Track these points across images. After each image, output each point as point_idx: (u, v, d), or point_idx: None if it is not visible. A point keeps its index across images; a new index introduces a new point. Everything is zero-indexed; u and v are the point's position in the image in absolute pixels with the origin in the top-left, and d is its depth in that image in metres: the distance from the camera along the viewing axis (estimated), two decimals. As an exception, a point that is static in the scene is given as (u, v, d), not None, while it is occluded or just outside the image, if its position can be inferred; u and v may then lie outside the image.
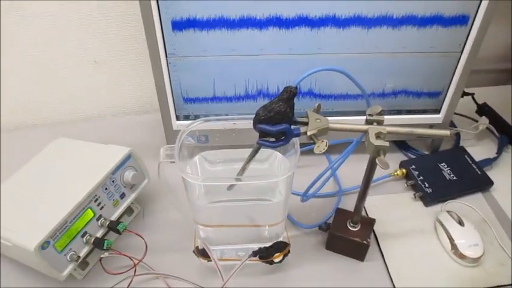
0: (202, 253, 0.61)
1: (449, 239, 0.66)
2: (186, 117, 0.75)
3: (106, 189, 0.63)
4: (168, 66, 0.67)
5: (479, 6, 0.62)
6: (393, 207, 0.74)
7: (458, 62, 0.69)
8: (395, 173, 0.77)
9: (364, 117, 0.53)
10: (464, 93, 0.80)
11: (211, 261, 0.60)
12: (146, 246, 0.62)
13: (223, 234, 0.63)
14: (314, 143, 0.51)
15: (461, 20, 0.64)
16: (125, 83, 0.93)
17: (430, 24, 0.64)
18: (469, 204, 0.73)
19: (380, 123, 0.53)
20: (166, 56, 0.66)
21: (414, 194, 0.74)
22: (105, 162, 0.64)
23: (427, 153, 0.84)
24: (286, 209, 0.60)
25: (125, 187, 0.67)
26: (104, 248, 0.60)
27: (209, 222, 0.60)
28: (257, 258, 0.61)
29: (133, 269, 0.58)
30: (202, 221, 0.60)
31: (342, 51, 0.67)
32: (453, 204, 0.73)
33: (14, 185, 0.66)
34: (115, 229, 0.62)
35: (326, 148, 0.50)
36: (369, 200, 0.74)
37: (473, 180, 0.76)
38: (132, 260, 0.59)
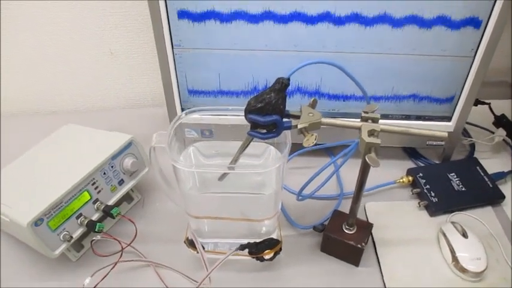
0: (192, 244, 0.61)
1: (451, 251, 0.63)
2: (192, 111, 0.75)
3: (104, 173, 0.65)
4: (174, 58, 0.68)
5: (493, 8, 0.60)
6: (395, 215, 0.71)
7: (470, 67, 0.66)
8: (401, 180, 0.75)
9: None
10: (479, 102, 0.77)
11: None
12: (136, 232, 0.62)
13: (214, 227, 0.63)
14: (304, 136, 0.50)
15: (473, 23, 0.62)
16: (139, 76, 0.95)
17: (439, 24, 0.62)
18: (477, 217, 0.69)
19: (375, 120, 0.51)
20: (172, 47, 0.67)
21: (419, 203, 0.71)
22: (106, 147, 0.66)
23: (437, 162, 0.81)
24: (277, 203, 0.59)
25: (124, 174, 0.68)
26: (96, 230, 0.60)
27: (199, 214, 0.60)
28: (247, 253, 0.61)
29: (121, 253, 0.58)
30: (193, 212, 0.60)
31: (347, 50, 0.66)
32: (459, 216, 0.70)
33: (19, 165, 0.68)
34: (109, 213, 0.62)
35: (315, 142, 0.49)
36: (371, 205, 0.73)
37: (484, 192, 0.72)
38: (120, 243, 0.60)
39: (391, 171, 0.77)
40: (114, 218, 0.63)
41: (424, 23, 0.62)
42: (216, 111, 0.59)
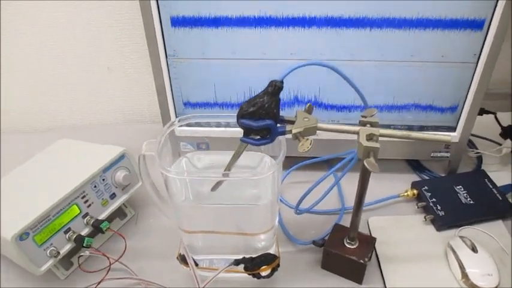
0: (185, 260, 0.58)
1: (461, 267, 0.59)
2: (188, 124, 0.73)
3: (95, 187, 0.62)
4: (168, 68, 0.67)
5: (494, 10, 0.58)
6: (400, 229, 0.68)
7: (473, 73, 0.64)
8: (406, 194, 0.72)
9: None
10: (484, 111, 0.74)
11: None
12: (125, 247, 0.59)
13: (208, 242, 0.60)
14: (299, 141, 0.48)
15: (475, 25, 0.60)
16: (136, 91, 0.94)
17: (441, 27, 0.60)
18: (487, 232, 0.66)
19: (374, 125, 0.49)
20: (166, 57, 0.66)
21: (425, 217, 0.68)
22: (97, 160, 0.64)
23: (443, 175, 0.77)
24: (274, 215, 0.56)
25: (116, 187, 0.65)
26: (84, 245, 0.58)
27: (192, 228, 0.57)
28: (242, 270, 0.57)
29: (108, 269, 0.55)
30: (185, 226, 0.57)
31: (346, 57, 0.64)
32: (468, 231, 0.66)
33: (9, 179, 0.66)
34: (98, 227, 0.60)
35: (310, 147, 0.47)
36: (375, 220, 0.69)
37: (493, 206, 0.69)
38: (108, 259, 0.57)
39: (394, 185, 0.74)
40: (103, 232, 0.60)
41: (427, 25, 0.61)
42: (211, 118, 0.57)
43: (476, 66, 0.63)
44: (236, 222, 0.57)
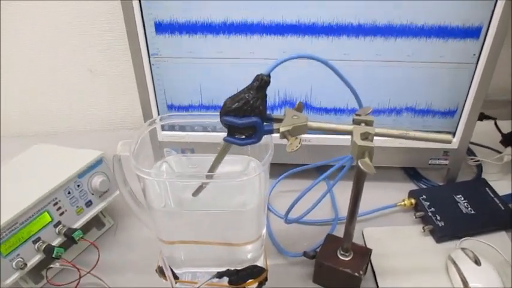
0: (164, 273, 0.53)
1: (463, 280, 0.55)
2: (172, 128, 0.69)
3: (69, 193, 0.58)
4: (150, 68, 0.63)
5: (493, 11, 0.55)
6: (397, 241, 0.63)
7: (473, 75, 0.61)
8: (403, 203, 0.68)
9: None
10: (484, 116, 0.71)
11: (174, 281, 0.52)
12: (98, 259, 0.55)
13: (191, 254, 0.55)
14: (287, 140, 0.44)
15: (474, 30, 0.57)
16: (120, 96, 0.90)
17: (436, 34, 0.58)
18: (490, 243, 0.61)
19: (369, 123, 0.45)
20: (148, 56, 0.62)
21: (423, 227, 0.64)
22: (73, 164, 0.59)
23: (441, 184, 0.73)
24: (261, 223, 0.52)
25: (92, 194, 0.61)
26: (53, 255, 0.53)
27: (172, 238, 0.53)
28: (226, 284, 0.53)
29: (78, 281, 0.51)
30: (165, 236, 0.52)
31: (337, 57, 0.61)
32: (470, 242, 0.62)
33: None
34: (70, 237, 0.55)
35: (299, 146, 0.43)
36: (370, 231, 0.65)
37: (496, 216, 0.65)
38: (78, 271, 0.52)
39: (391, 194, 0.70)
40: (76, 242, 0.55)
41: (423, 32, 0.58)
42: (194, 117, 0.53)
43: (476, 66, 0.60)
44: (220, 231, 0.52)
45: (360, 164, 0.41)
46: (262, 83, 0.43)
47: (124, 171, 0.52)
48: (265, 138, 0.46)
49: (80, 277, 0.52)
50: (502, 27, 0.56)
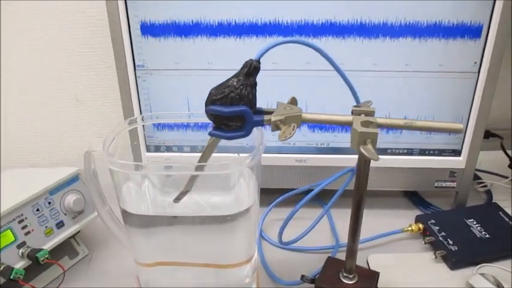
0: (140, 299, 0.46)
1: (486, 309, 0.48)
2: (157, 149, 0.65)
3: (38, 210, 0.52)
4: (136, 81, 0.60)
5: (492, 11, 0.53)
6: (407, 268, 0.56)
7: (476, 85, 0.58)
8: (410, 228, 0.61)
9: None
10: (490, 134, 0.67)
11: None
12: (63, 279, 0.47)
13: (170, 279, 0.48)
14: (279, 130, 0.39)
15: (472, 29, 0.55)
16: (107, 122, 0.86)
17: (435, 34, 0.55)
18: (510, 270, 0.55)
19: (369, 114, 0.41)
20: (134, 69, 0.59)
21: (435, 253, 0.57)
22: (45, 180, 0.54)
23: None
24: (251, 240, 0.46)
25: (65, 214, 0.54)
26: (11, 277, 0.45)
27: (150, 257, 0.46)
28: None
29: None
30: (142, 255, 0.46)
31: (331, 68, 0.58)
32: (488, 269, 0.55)
33: None
34: (34, 257, 0.48)
35: (293, 133, 0.38)
36: (376, 258, 0.58)
37: (513, 240, 0.59)
38: (38, 292, 0.45)
39: (395, 221, 0.63)
40: (40, 263, 0.48)
41: (420, 32, 0.56)
42: (176, 117, 0.48)
43: (478, 76, 0.57)
44: (205, 247, 0.46)
45: (362, 151, 0.36)
46: (251, 69, 0.39)
47: (100, 184, 0.47)
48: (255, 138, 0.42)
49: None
50: (503, 32, 0.54)
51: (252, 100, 0.40)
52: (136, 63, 0.59)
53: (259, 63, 0.40)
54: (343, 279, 0.48)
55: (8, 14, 0.75)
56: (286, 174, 0.65)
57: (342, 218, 0.60)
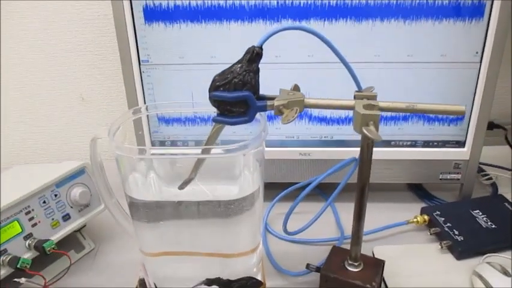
0: (145, 285, 0.46)
1: (493, 296, 0.47)
2: (162, 144, 0.65)
3: (44, 202, 0.52)
4: (141, 76, 0.61)
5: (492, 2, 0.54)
6: (413, 259, 0.56)
7: (478, 75, 0.58)
8: (415, 220, 0.61)
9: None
10: (494, 126, 0.67)
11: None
12: (69, 266, 0.47)
13: (175, 269, 0.48)
14: (282, 114, 0.39)
15: (474, 12, 0.55)
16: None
17: (438, 16, 0.55)
18: (518, 259, 0.54)
19: (371, 98, 0.41)
20: (139, 64, 0.60)
21: (440, 243, 0.57)
22: (51, 174, 0.54)
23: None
24: (255, 229, 0.46)
25: (71, 207, 0.55)
26: (18, 266, 0.46)
27: (155, 246, 0.47)
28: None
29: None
30: (147, 246, 0.46)
31: (335, 59, 0.58)
32: (495, 259, 0.55)
33: None
34: (40, 247, 0.48)
35: (295, 116, 0.38)
36: (381, 249, 0.58)
37: (519, 230, 0.58)
38: (44, 279, 0.45)
39: (401, 214, 0.63)
40: (46, 253, 0.48)
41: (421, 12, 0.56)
42: (180, 106, 0.49)
43: (480, 66, 0.57)
44: (210, 236, 0.46)
45: (364, 131, 0.37)
46: (253, 55, 0.40)
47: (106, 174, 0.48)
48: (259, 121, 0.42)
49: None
50: (504, 21, 0.54)
51: (255, 86, 0.40)
52: (141, 58, 0.60)
53: (262, 49, 0.40)
54: (348, 267, 0.48)
55: (11, 13, 0.76)
56: (290, 168, 0.66)
57: (347, 211, 0.59)
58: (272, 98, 0.42)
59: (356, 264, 0.48)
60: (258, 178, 0.45)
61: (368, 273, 0.48)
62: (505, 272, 0.49)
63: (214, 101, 0.41)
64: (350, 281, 0.47)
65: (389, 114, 0.62)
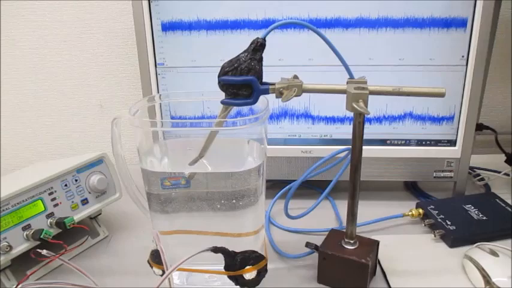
0: (156, 260, 0.50)
1: (484, 275, 0.50)
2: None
3: (66, 185, 0.57)
4: (156, 77, 0.67)
5: (475, 7, 0.59)
6: (408, 247, 0.59)
7: (465, 78, 0.63)
8: (411, 213, 0.64)
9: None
10: (484, 127, 0.71)
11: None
12: (86, 239, 0.52)
13: (185, 247, 0.52)
14: (282, 95, 0.45)
15: (458, 23, 0.61)
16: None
17: (427, 26, 0.61)
18: (508, 248, 0.57)
19: (362, 83, 0.46)
20: (155, 66, 0.66)
21: (434, 232, 0.60)
22: (73, 161, 0.59)
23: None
24: (258, 210, 0.50)
25: (89, 193, 0.60)
26: (41, 236, 0.50)
27: (167, 225, 0.51)
28: (223, 270, 0.49)
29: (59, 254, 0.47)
30: (160, 223, 0.51)
31: (334, 62, 0.64)
32: (486, 246, 0.58)
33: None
34: (62, 223, 0.53)
35: (294, 94, 0.44)
36: (377, 238, 0.61)
37: (509, 221, 0.61)
38: (65, 246, 0.49)
39: (396, 210, 0.67)
40: (67, 228, 0.53)
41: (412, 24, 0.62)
42: (191, 95, 0.54)
43: (467, 69, 0.63)
44: (218, 217, 0.50)
45: (355, 106, 0.42)
46: (258, 45, 0.46)
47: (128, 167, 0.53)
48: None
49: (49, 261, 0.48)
50: (486, 26, 0.60)
51: (259, 71, 0.46)
52: (157, 62, 0.66)
53: (265, 40, 0.46)
54: (345, 245, 0.52)
55: (30, 22, 0.84)
56: (292, 165, 0.70)
57: (345, 207, 0.63)
58: (273, 84, 0.47)
59: (352, 242, 0.52)
60: (261, 153, 0.49)
61: (363, 250, 0.51)
62: (493, 253, 0.52)
63: (223, 85, 0.46)
64: (346, 256, 0.50)
65: (384, 113, 0.67)
